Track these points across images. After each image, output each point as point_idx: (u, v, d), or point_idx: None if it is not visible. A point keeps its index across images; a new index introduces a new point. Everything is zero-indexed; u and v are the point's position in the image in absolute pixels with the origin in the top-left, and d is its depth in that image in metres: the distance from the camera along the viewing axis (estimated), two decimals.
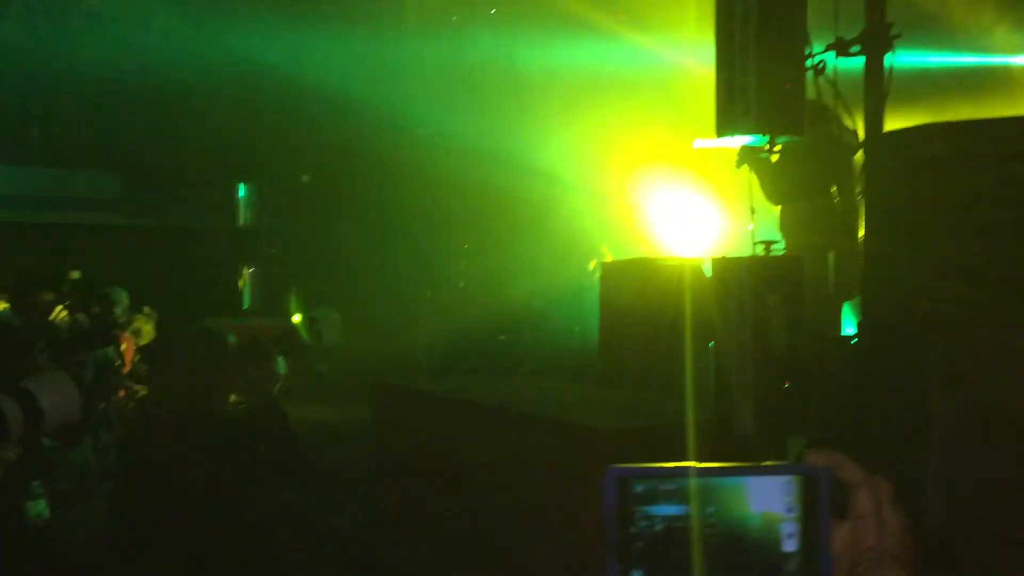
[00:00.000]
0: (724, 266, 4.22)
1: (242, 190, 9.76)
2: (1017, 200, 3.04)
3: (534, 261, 10.80)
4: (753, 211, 6.21)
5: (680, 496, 0.84)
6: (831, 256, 4.47)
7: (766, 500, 0.84)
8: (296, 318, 8.67)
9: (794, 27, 4.12)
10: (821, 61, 4.26)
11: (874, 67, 4.07)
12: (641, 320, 6.51)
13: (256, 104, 9.88)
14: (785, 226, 5.71)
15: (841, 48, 4.22)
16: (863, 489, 0.85)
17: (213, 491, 4.30)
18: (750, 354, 4.07)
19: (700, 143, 5.52)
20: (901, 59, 4.04)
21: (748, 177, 5.60)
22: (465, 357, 10.08)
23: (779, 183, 5.57)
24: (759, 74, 4.07)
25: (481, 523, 4.49)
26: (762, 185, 5.58)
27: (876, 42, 4.05)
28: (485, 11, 10.39)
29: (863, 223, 3.92)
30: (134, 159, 9.03)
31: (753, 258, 4.22)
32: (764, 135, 4.23)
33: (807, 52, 4.24)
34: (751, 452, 4.15)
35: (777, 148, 5.04)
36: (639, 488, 0.83)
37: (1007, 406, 2.77)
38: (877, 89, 4.05)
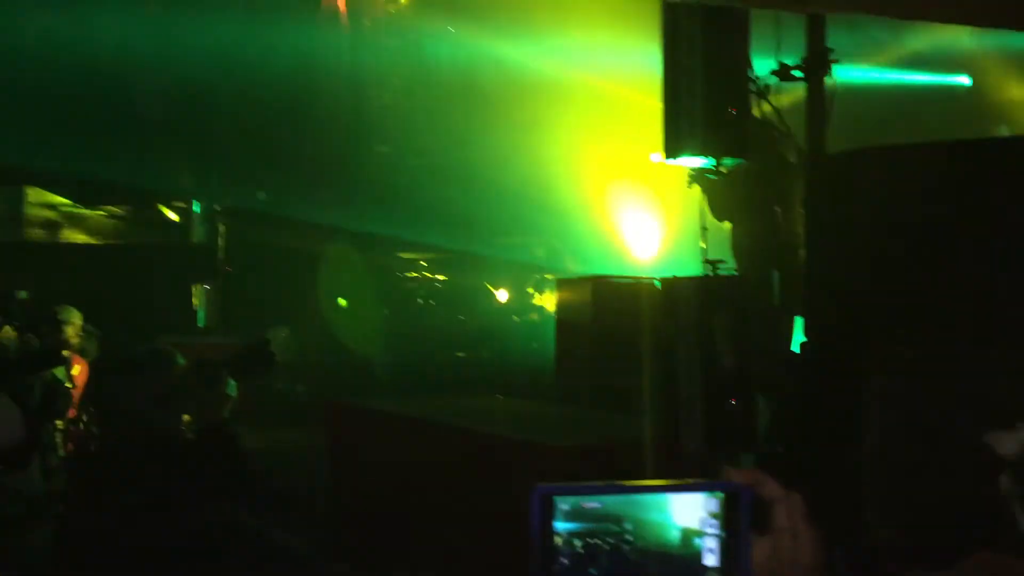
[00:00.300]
0: (672, 286, 4.29)
1: (197, 207, 9.67)
2: (950, 223, 3.15)
3: (491, 278, 10.85)
4: (705, 229, 6.32)
5: (602, 514, 0.87)
6: (776, 275, 4.57)
7: (687, 516, 0.88)
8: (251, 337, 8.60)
9: (737, 52, 4.22)
10: (764, 85, 4.37)
11: (815, 90, 4.19)
12: (595, 338, 6.59)
13: (214, 119, 9.83)
14: (735, 246, 5.82)
15: (783, 73, 4.33)
16: (781, 505, 0.89)
17: (162, 515, 4.26)
18: (698, 372, 4.14)
19: (657, 158, 5.57)
20: (845, 75, 4.17)
21: (700, 196, 5.70)
22: (424, 375, 10.09)
23: (727, 202, 5.68)
24: (704, 98, 4.17)
25: (436, 543, 4.50)
26: (711, 204, 5.70)
27: (816, 66, 4.16)
28: (443, 24, 10.45)
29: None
30: (87, 175, 8.92)
31: (700, 278, 4.31)
32: (710, 157, 4.32)
33: (750, 76, 4.35)
34: (700, 469, 4.22)
35: (723, 169, 5.15)
36: (564, 506, 0.86)
37: (937, 421, 2.86)
38: (818, 112, 4.17)
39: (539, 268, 10.79)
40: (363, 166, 10.76)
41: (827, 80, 4.17)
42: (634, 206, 10.92)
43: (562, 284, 7.54)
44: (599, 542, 0.86)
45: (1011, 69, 8.76)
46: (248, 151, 9.87)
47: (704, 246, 5.81)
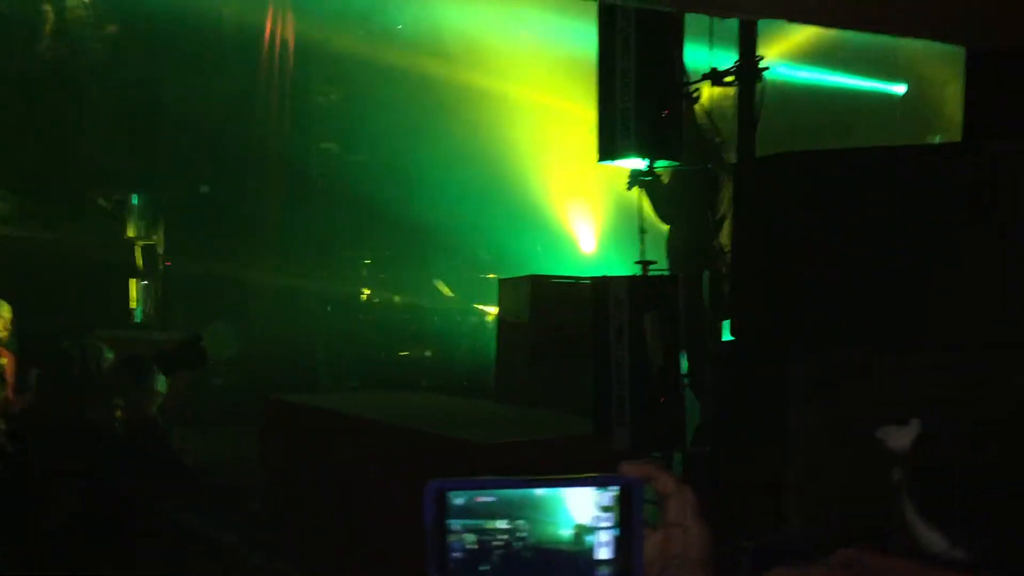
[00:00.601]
0: (603, 285, 4.34)
1: (135, 199, 9.51)
2: (869, 227, 3.23)
3: (432, 277, 10.86)
4: (643, 231, 6.40)
5: (495, 508, 0.88)
6: (706, 275, 4.65)
7: (581, 510, 0.89)
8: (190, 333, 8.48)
9: (671, 57, 4.29)
10: (696, 89, 4.44)
11: (745, 96, 4.27)
12: (533, 337, 6.63)
13: (156, 111, 9.67)
14: (670, 247, 5.91)
15: (716, 78, 4.41)
16: (674, 499, 0.91)
17: (92, 509, 4.20)
18: (627, 371, 4.20)
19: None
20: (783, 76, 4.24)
21: (639, 198, 5.77)
22: (366, 373, 10.05)
23: (666, 205, 5.77)
24: (638, 100, 4.23)
25: (368, 539, 4.50)
26: (653, 206, 5.78)
27: (747, 73, 4.24)
28: (393, 24, 10.44)
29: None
30: (19, 168, 8.73)
31: (630, 278, 4.36)
32: (643, 158, 4.38)
33: (684, 81, 4.42)
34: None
35: (661, 172, 5.23)
36: (458, 500, 0.87)
37: (857, 417, 2.94)
38: (748, 116, 4.25)
39: (484, 268, 10.82)
40: (308, 162, 10.68)
41: (758, 85, 4.26)
42: (584, 208, 11.04)
43: (504, 284, 7.57)
44: (491, 538, 0.87)
45: (947, 77, 8.94)
46: (191, 144, 9.73)
47: (642, 247, 5.89)
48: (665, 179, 5.63)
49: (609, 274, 4.59)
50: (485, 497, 0.88)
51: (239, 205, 10.58)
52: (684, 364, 4.63)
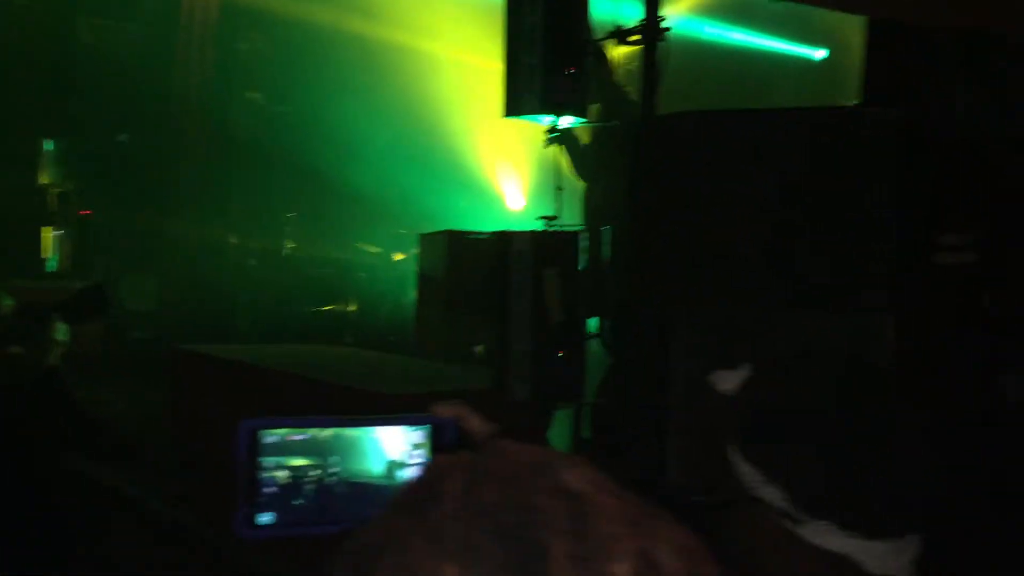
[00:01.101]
0: (505, 240, 4.39)
1: (49, 145, 9.24)
2: (761, 188, 3.32)
3: (355, 231, 10.80)
4: (559, 188, 6.45)
5: (309, 446, 0.91)
6: (607, 232, 4.73)
7: (394, 447, 0.93)
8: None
9: (577, 14, 4.31)
10: (600, 47, 4.48)
11: (649, 55, 4.32)
12: (449, 292, 6.67)
13: (65, 55, 9.38)
14: (588, 205, 5.98)
15: (620, 37, 4.45)
16: (482, 437, 0.94)
17: None
18: (528, 325, 4.27)
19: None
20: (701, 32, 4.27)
21: (556, 155, 5.81)
22: (287, 326, 10.00)
23: (583, 162, 5.83)
24: (544, 57, 4.25)
25: None
26: (570, 163, 5.83)
27: (651, 33, 4.29)
28: None
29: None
30: None
31: (531, 233, 4.42)
32: (549, 115, 4.42)
33: (589, 39, 4.45)
34: (527, 418, 4.37)
35: (578, 130, 5.27)
36: (270, 439, 0.90)
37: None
38: (651, 76, 4.31)
39: (409, 224, 10.80)
40: (231, 111, 10.47)
41: (660, 46, 4.31)
42: (511, 165, 11.07)
43: (423, 239, 7.58)
44: (303, 474, 0.90)
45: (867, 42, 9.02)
46: (109, 90, 9.47)
47: (559, 204, 5.94)
48: (583, 137, 5.67)
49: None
50: (298, 435, 0.91)
51: (160, 154, 10.36)
52: (594, 320, 4.73)
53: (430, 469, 0.60)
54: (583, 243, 4.45)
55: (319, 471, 0.92)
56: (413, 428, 0.94)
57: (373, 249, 10.91)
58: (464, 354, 6.26)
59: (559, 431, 5.04)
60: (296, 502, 0.91)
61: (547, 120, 4.56)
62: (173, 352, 5.59)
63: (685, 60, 5.43)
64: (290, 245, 10.65)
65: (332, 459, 0.92)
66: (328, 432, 0.93)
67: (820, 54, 9.10)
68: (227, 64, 10.57)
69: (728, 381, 1.26)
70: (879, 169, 3.15)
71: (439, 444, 0.94)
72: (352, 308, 10.55)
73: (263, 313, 9.99)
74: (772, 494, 1.09)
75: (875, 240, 3.07)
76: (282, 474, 0.91)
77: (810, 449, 1.12)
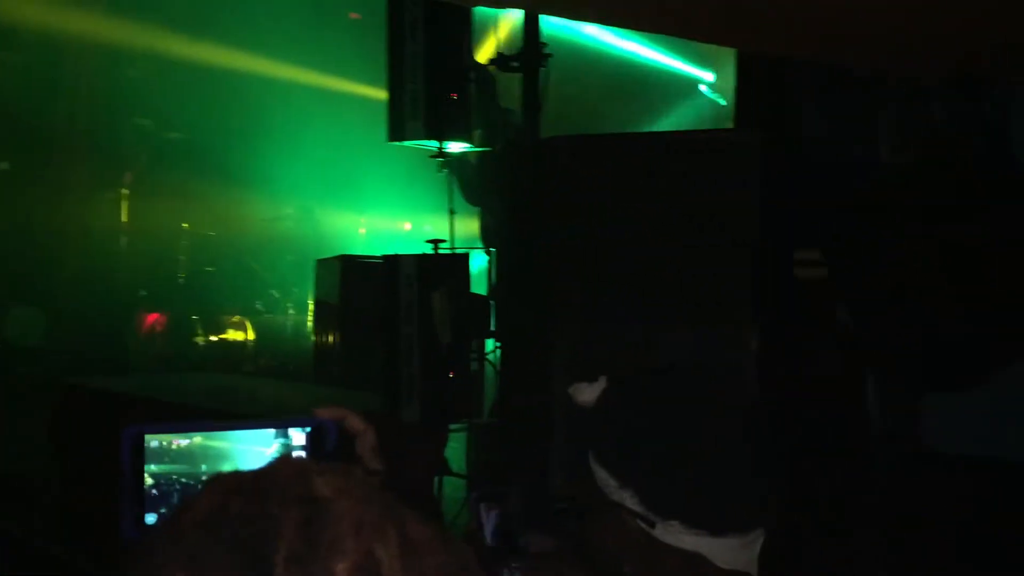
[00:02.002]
0: (393, 263, 4.43)
1: None
2: (630, 207, 3.46)
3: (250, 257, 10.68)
4: (451, 212, 6.51)
5: (194, 449, 0.94)
6: (491, 253, 4.81)
7: (277, 448, 0.97)
8: None
9: (459, 41, 4.41)
10: (484, 73, 4.58)
11: (530, 81, 4.44)
12: (344, 316, 6.66)
13: None
14: (483, 228, 6.07)
15: (502, 63, 4.56)
16: (360, 438, 1.02)
17: None
18: (416, 348, 4.31)
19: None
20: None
21: (448, 179, 5.87)
22: (186, 355, 9.79)
23: (471, 186, 5.91)
24: (427, 83, 4.32)
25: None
26: (460, 187, 5.90)
27: (531, 59, 4.42)
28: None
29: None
30: None
31: (419, 256, 4.47)
32: (432, 140, 4.49)
33: (471, 65, 4.54)
34: (419, 438, 4.40)
35: (470, 154, 5.35)
36: (154, 444, 0.93)
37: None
38: (532, 101, 4.43)
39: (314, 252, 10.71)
40: (120, 138, 10.23)
41: (541, 72, 4.43)
42: (409, 189, 11.10)
43: (318, 264, 7.56)
44: (189, 477, 0.93)
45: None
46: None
47: (451, 227, 6.00)
48: (474, 162, 5.76)
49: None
50: (182, 440, 0.94)
51: (45, 182, 10.06)
52: (489, 341, 4.80)
53: (204, 483, 0.65)
54: (484, 265, 4.55)
55: (204, 474, 0.95)
56: (296, 430, 0.99)
57: (268, 275, 10.79)
58: (362, 379, 6.26)
59: (454, 451, 5.09)
60: (162, 511, 0.94)
61: (429, 145, 4.63)
62: (59, 387, 5.43)
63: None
64: (181, 277, 10.44)
65: (217, 461, 0.96)
66: (213, 436, 0.97)
67: (709, 76, 9.25)
68: (115, 91, 10.34)
69: (586, 393, 1.33)
70: (742, 189, 3.32)
71: (321, 446, 0.99)
72: (251, 337, 10.41)
73: (160, 342, 9.77)
74: (627, 498, 1.15)
75: (739, 256, 3.23)
76: (166, 478, 0.94)
77: (658, 454, 1.19)
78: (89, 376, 6.88)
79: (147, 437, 0.92)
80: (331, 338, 7.03)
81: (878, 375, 3.36)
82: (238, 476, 0.64)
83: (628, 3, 2.79)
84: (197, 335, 10.02)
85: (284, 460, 0.67)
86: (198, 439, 0.95)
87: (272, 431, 0.98)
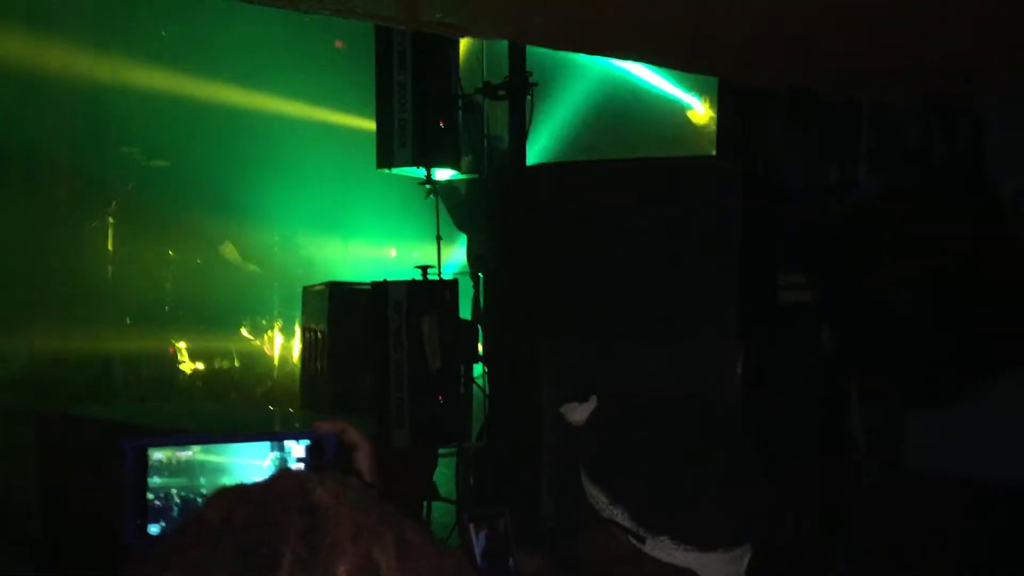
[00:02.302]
0: (382, 289, 4.47)
1: None
2: (616, 232, 3.52)
3: (237, 288, 10.68)
4: (439, 239, 6.56)
5: (196, 462, 0.97)
6: (480, 278, 4.86)
7: (279, 460, 1.00)
8: None
9: (446, 70, 4.48)
10: (471, 102, 4.65)
11: (517, 109, 4.52)
12: (332, 342, 6.67)
13: None
14: (471, 255, 6.12)
15: (489, 92, 4.64)
16: (358, 451, 1.05)
17: None
18: (406, 372, 4.34)
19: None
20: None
21: (436, 206, 5.94)
22: (171, 382, 9.77)
23: (461, 213, 5.97)
24: (415, 111, 4.39)
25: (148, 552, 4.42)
26: (449, 214, 5.96)
27: (518, 87, 4.50)
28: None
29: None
30: None
31: (408, 282, 4.51)
32: (420, 167, 4.55)
33: (458, 94, 4.62)
34: (409, 464, 4.42)
35: (458, 182, 5.42)
36: (157, 456, 0.96)
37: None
38: (519, 129, 4.50)
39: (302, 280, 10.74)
40: (106, 166, 10.25)
41: (528, 99, 4.51)
42: (398, 215, 11.16)
43: (306, 291, 7.57)
44: (191, 490, 0.97)
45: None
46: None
47: (439, 253, 6.04)
48: (461, 189, 5.82)
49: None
50: (184, 453, 0.97)
51: (32, 210, 10.05)
52: (478, 366, 4.84)
53: (208, 497, 0.69)
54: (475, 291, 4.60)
55: (206, 487, 0.99)
56: (297, 443, 1.03)
57: (259, 303, 10.80)
58: (349, 405, 6.27)
59: (443, 476, 5.11)
60: (161, 524, 0.97)
61: (416, 172, 4.69)
62: (40, 416, 5.41)
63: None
64: (167, 305, 10.43)
65: (219, 474, 0.99)
66: (215, 448, 1.00)
67: (696, 103, 9.27)
68: (101, 120, 10.37)
69: (577, 413, 1.37)
70: (723, 214, 3.39)
71: (320, 458, 1.02)
72: (236, 364, 10.41)
73: (144, 369, 9.76)
74: (618, 514, 1.19)
75: (722, 279, 3.29)
76: (169, 490, 0.97)
77: (648, 471, 1.22)
78: (70, 404, 6.86)
79: (150, 450, 0.95)
80: (318, 364, 7.04)
81: (860, 395, 3.42)
82: (241, 488, 0.68)
83: (609, 35, 2.87)
84: (182, 362, 10.02)
85: (285, 472, 0.71)
86: (197, 454, 0.98)
87: (269, 445, 1.02)
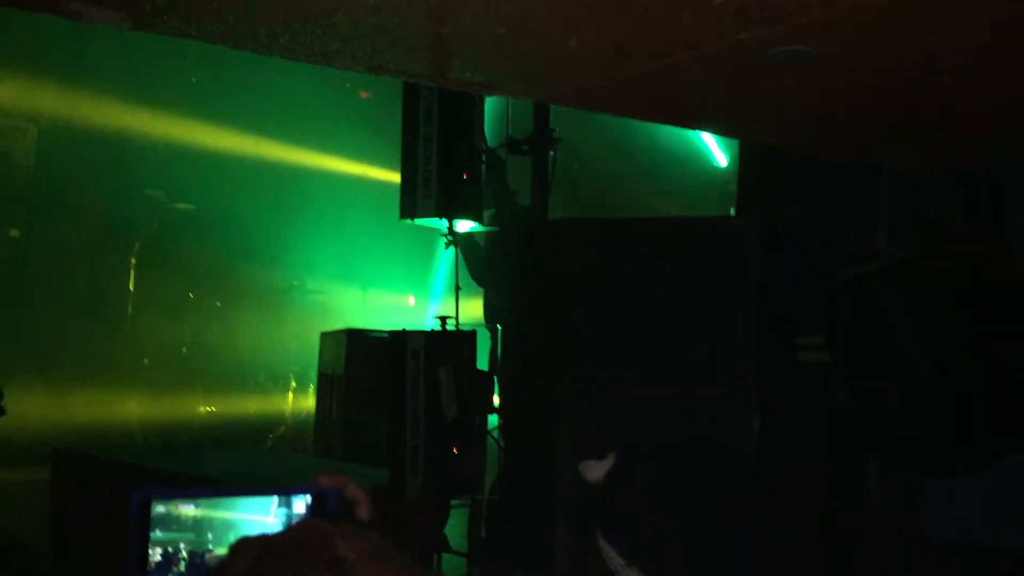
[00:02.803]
0: (400, 339, 4.50)
1: None
2: (634, 289, 3.55)
3: (257, 330, 10.74)
4: (458, 288, 6.61)
5: (199, 515, 0.99)
6: (499, 329, 4.89)
7: (280, 515, 1.02)
8: None
9: (472, 124, 4.57)
10: (494, 156, 4.73)
11: (540, 164, 4.59)
12: (348, 390, 6.69)
13: None
14: (488, 307, 6.15)
15: (512, 146, 4.71)
16: (362, 505, 1.06)
17: None
18: (422, 422, 4.35)
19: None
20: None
21: (456, 257, 6.01)
22: (187, 426, 9.78)
23: (480, 265, 6.03)
24: (439, 164, 4.47)
25: None
26: (467, 266, 6.02)
27: (541, 143, 4.57)
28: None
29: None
30: None
31: (426, 332, 4.55)
32: (442, 218, 4.61)
33: (482, 148, 4.70)
34: (421, 514, 4.41)
35: (478, 234, 5.48)
36: (161, 508, 0.97)
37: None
38: (541, 184, 4.57)
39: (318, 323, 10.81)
40: (131, 208, 10.41)
41: (551, 154, 4.59)
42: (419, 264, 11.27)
43: (324, 337, 7.61)
44: (195, 543, 0.98)
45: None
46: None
47: (456, 304, 6.09)
48: (481, 241, 5.89)
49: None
50: (188, 505, 0.99)
51: (54, 251, 10.19)
52: (494, 417, 4.85)
53: (233, 546, 0.71)
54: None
55: (209, 540, 1.00)
56: (298, 497, 1.04)
57: (276, 347, 10.85)
58: (363, 453, 6.26)
59: (455, 528, 5.08)
60: (178, 570, 0.98)
61: (439, 223, 4.76)
62: (54, 453, 5.43)
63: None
64: (184, 347, 10.49)
65: (222, 528, 1.00)
66: (218, 502, 1.01)
67: (722, 160, 9.27)
68: (127, 164, 10.56)
69: (595, 471, 1.40)
70: (742, 274, 3.41)
71: (321, 513, 1.03)
72: (252, 410, 10.42)
73: (161, 413, 9.78)
74: (632, 574, 1.21)
75: (740, 339, 3.31)
76: (172, 542, 0.98)
77: (663, 532, 1.25)
78: (84, 444, 6.89)
79: (153, 503, 0.97)
80: (333, 410, 7.05)
81: (877, 459, 3.40)
82: (267, 537, 0.70)
83: (631, 97, 2.92)
84: (198, 405, 10.04)
85: (308, 523, 0.73)
86: (202, 509, 0.99)
87: (274, 500, 1.03)
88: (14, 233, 10.01)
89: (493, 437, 4.74)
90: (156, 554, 0.96)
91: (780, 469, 3.06)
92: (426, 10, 2.08)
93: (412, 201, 4.56)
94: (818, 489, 3.24)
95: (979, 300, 3.15)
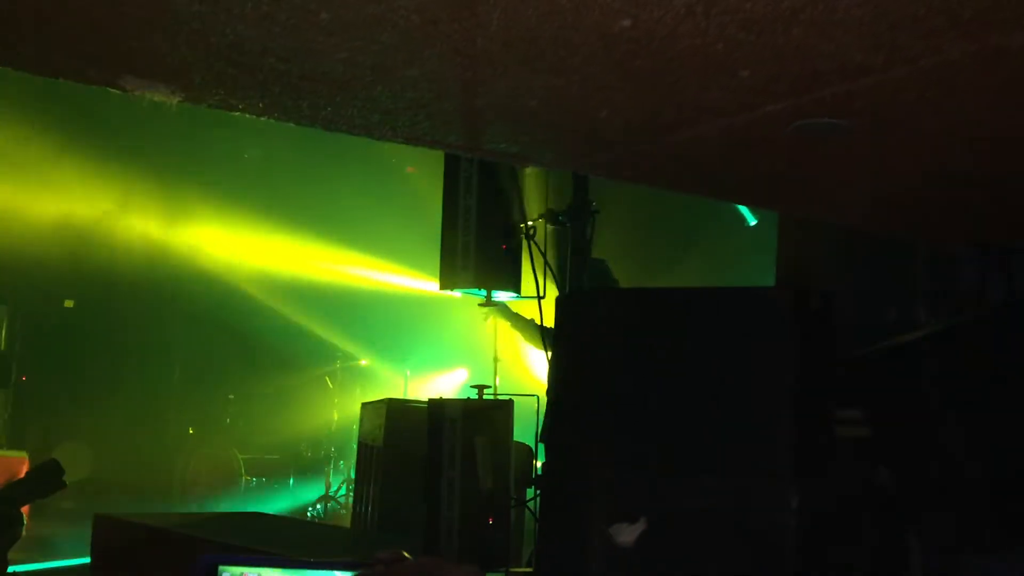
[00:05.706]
0: (438, 408, 4.53)
1: None
2: (662, 362, 3.53)
3: (301, 402, 10.85)
4: (496, 359, 6.63)
5: None
6: (537, 400, 4.88)
7: None
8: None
9: (511, 195, 4.65)
10: (532, 227, 4.79)
11: (577, 235, 4.65)
12: (386, 459, 6.68)
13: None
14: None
15: (551, 218, 4.78)
16: None
17: None
18: (458, 492, 4.34)
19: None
20: None
21: (494, 327, 6.04)
22: (229, 496, 9.84)
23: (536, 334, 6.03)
24: (478, 235, 4.55)
25: None
26: (525, 336, 6.01)
27: (580, 214, 4.63)
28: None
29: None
30: None
31: (464, 401, 4.56)
32: (481, 289, 4.67)
33: (523, 219, 4.77)
34: None
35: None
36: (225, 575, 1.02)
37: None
38: (580, 255, 4.62)
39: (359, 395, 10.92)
40: (177, 281, 10.66)
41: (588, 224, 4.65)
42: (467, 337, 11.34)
43: (364, 407, 7.65)
44: None
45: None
46: (58, 259, 9.65)
47: (495, 374, 6.12)
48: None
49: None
50: (252, 573, 1.03)
51: (105, 321, 10.46)
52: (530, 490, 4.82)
53: None
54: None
55: None
56: (354, 572, 1.07)
57: (318, 419, 10.92)
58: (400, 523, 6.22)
59: None
60: None
61: (477, 294, 4.82)
62: (96, 519, 5.49)
63: None
64: (232, 412, 10.61)
65: None
66: (279, 572, 1.04)
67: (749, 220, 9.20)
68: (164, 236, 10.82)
69: (627, 534, 1.40)
70: (779, 346, 3.39)
71: None
72: (291, 481, 10.48)
73: (205, 481, 9.89)
74: None
75: (778, 412, 3.27)
76: None
77: None
78: (132, 510, 6.94)
79: (220, 568, 1.01)
80: (372, 480, 7.04)
81: (919, 535, 3.31)
82: (390, 570, 0.72)
83: (662, 169, 2.96)
84: (241, 475, 10.10)
85: (412, 563, 0.75)
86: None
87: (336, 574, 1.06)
88: (70, 303, 10.32)
89: (530, 509, 4.70)
90: None
91: (821, 549, 3.00)
92: (461, 84, 2.16)
93: (451, 272, 4.63)
94: (860, 569, 3.16)
95: (1019, 374, 3.09)
